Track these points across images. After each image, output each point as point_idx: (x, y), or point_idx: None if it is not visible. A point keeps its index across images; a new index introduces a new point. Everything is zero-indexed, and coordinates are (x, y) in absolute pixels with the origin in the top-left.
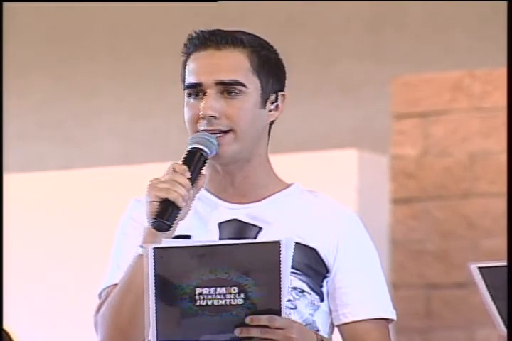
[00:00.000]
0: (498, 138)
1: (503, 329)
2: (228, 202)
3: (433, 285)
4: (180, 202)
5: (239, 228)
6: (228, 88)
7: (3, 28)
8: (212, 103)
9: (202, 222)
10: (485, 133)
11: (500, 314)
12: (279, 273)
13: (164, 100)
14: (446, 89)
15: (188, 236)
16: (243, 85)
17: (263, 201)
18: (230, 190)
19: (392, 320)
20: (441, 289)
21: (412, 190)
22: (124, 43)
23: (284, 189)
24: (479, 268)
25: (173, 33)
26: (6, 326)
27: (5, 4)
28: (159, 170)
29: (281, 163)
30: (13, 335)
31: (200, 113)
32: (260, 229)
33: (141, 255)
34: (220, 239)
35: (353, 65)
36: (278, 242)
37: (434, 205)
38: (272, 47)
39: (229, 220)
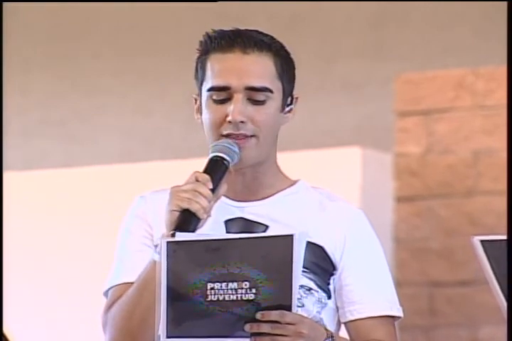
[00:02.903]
0: (501, 135)
1: (504, 305)
2: (235, 200)
3: (436, 283)
4: (201, 214)
5: (245, 226)
6: (257, 94)
7: (7, 25)
8: (241, 108)
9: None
10: (488, 130)
11: (502, 289)
12: (291, 268)
13: (166, 98)
14: (450, 87)
15: None
16: (270, 91)
17: (269, 199)
18: (238, 189)
19: (398, 317)
20: (444, 287)
21: (415, 187)
22: (126, 42)
23: (289, 186)
24: (481, 241)
25: (175, 32)
26: (5, 328)
27: (8, 3)
28: (161, 167)
29: (285, 161)
30: (10, 338)
31: (229, 118)
32: (267, 227)
33: (155, 261)
34: None
35: (356, 62)
36: (291, 236)
37: (437, 203)
38: (285, 46)
39: (235, 218)
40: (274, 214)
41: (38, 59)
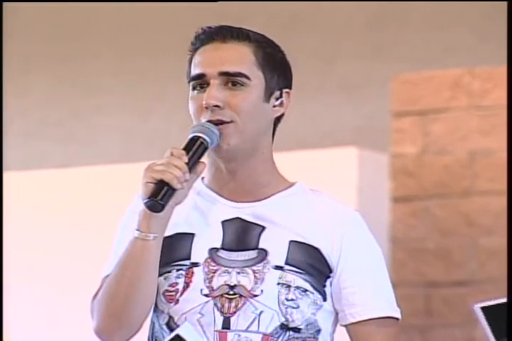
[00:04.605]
0: (497, 136)
1: None
2: (230, 200)
3: (433, 283)
4: (175, 184)
5: (242, 227)
6: (232, 79)
7: (7, 25)
8: (215, 93)
9: (205, 220)
10: (484, 131)
11: None
12: None
13: (166, 98)
14: (446, 87)
15: (191, 234)
16: (247, 77)
17: (266, 200)
18: (232, 187)
19: (397, 318)
20: (440, 287)
21: (411, 188)
22: (126, 42)
23: (287, 188)
24: (481, 308)
25: (175, 33)
26: (5, 330)
27: (8, 3)
28: None
29: (282, 161)
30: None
31: (203, 102)
32: (263, 228)
33: (136, 238)
34: (224, 237)
35: (355, 63)
36: None
37: (433, 203)
38: (278, 46)
39: (232, 219)
40: (271, 215)
41: (38, 59)
